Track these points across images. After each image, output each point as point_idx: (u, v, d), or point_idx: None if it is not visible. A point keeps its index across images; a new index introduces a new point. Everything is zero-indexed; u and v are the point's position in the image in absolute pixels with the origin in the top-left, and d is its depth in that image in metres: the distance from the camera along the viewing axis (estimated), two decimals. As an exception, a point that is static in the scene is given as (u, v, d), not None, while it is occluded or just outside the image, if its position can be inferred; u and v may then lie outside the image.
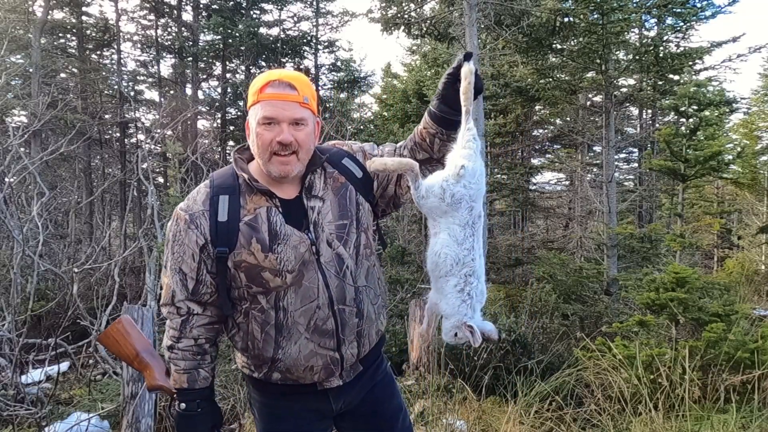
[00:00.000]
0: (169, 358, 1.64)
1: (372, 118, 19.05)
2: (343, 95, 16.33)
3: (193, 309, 1.60)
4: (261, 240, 1.54)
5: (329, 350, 1.61)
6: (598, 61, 8.14)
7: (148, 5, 14.02)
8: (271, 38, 14.35)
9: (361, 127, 17.61)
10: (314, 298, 1.57)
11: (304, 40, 14.77)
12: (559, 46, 8.95)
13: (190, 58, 13.77)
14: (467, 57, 1.56)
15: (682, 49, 9.03)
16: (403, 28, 8.95)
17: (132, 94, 14.63)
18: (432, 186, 1.54)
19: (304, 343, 1.58)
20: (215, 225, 1.55)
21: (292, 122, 1.55)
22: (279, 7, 14.71)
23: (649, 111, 14.77)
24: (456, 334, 1.55)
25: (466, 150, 1.55)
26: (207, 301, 1.61)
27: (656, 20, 10.10)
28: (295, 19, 15.07)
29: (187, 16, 14.38)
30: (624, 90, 10.00)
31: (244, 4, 14.09)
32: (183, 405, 1.63)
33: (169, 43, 14.46)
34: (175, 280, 1.58)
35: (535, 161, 17.15)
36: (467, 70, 1.54)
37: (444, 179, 1.53)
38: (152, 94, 15.75)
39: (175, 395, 1.65)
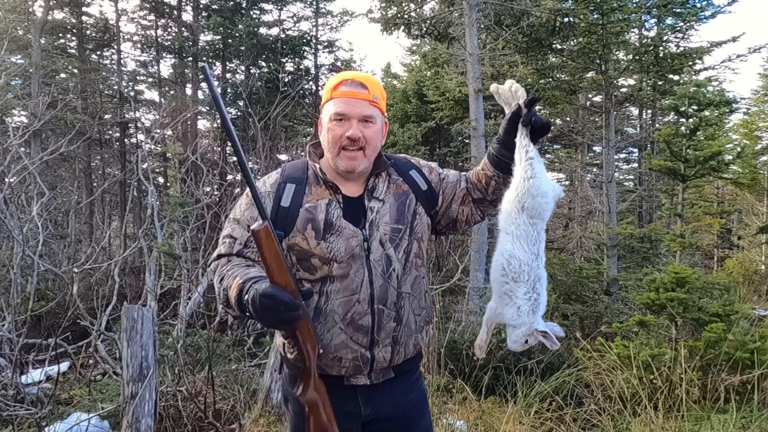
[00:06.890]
0: (222, 290, 1.55)
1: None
2: (343, 95, 16.31)
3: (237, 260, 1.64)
4: (316, 227, 1.62)
5: (361, 347, 1.64)
6: (598, 61, 8.13)
7: (148, 5, 14.02)
8: (271, 38, 14.35)
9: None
10: (356, 291, 1.62)
11: (304, 40, 14.76)
12: (559, 46, 8.94)
13: (190, 58, 13.76)
14: (531, 103, 1.56)
15: (682, 49, 9.01)
16: (403, 28, 8.95)
17: (132, 94, 14.63)
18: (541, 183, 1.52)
19: (337, 333, 1.62)
20: (277, 208, 1.64)
21: (362, 119, 1.65)
22: (279, 7, 14.71)
23: (649, 111, 14.77)
24: (527, 341, 1.55)
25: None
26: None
27: (656, 20, 10.09)
28: (295, 19, 15.08)
29: (187, 16, 14.38)
30: (624, 90, 9.99)
31: (244, 4, 14.08)
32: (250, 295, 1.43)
33: (169, 43, 14.47)
34: (226, 242, 1.67)
35: (535, 161, 17.13)
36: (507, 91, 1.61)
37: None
38: (152, 94, 15.77)
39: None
